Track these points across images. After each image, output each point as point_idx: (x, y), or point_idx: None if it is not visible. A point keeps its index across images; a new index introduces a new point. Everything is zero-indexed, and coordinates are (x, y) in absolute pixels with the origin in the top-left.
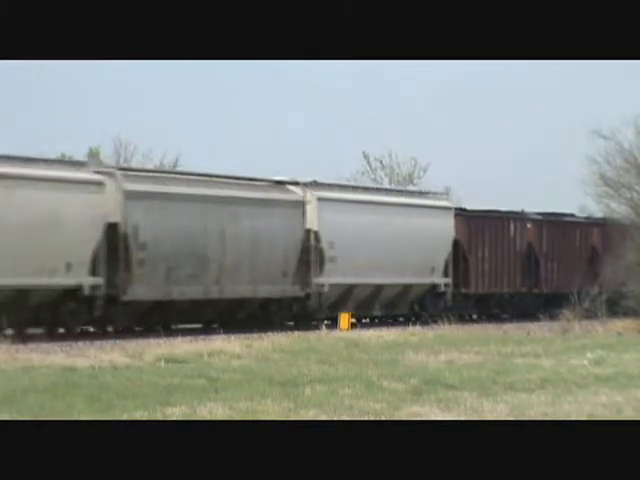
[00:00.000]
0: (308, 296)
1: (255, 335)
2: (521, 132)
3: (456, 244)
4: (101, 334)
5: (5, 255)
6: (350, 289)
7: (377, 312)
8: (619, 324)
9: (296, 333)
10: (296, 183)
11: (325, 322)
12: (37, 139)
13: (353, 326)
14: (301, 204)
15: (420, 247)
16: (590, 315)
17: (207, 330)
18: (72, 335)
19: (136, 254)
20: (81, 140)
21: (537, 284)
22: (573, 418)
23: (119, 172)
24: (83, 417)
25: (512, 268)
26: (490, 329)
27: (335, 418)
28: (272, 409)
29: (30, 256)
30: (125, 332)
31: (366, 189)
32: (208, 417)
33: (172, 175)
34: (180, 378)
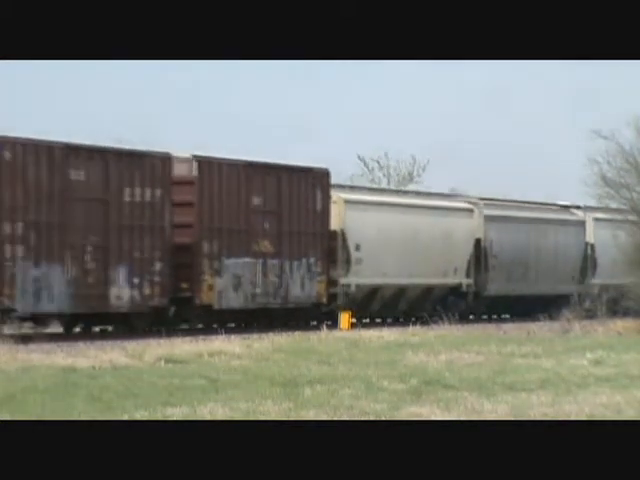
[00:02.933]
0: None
1: (255, 335)
2: (521, 132)
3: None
4: (101, 334)
5: (419, 262)
6: (375, 289)
7: (401, 313)
8: (619, 324)
9: (296, 333)
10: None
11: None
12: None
13: (353, 326)
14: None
15: (443, 248)
16: (590, 315)
17: (207, 330)
18: (71, 336)
19: (491, 262)
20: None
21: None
22: (573, 418)
23: (481, 201)
24: (83, 417)
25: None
26: (490, 329)
27: (335, 418)
28: (272, 409)
29: (434, 263)
30: (129, 332)
31: (391, 191)
32: (208, 417)
33: (508, 202)
34: (180, 378)
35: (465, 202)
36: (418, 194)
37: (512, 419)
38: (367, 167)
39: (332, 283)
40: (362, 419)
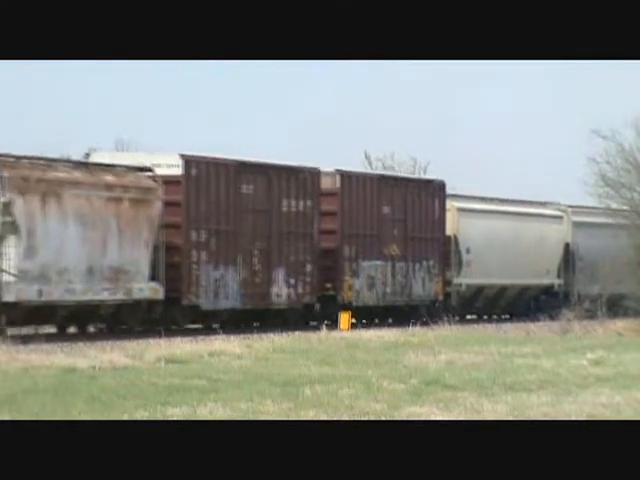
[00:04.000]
0: None
1: (255, 335)
2: (521, 132)
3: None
4: (106, 334)
5: (518, 264)
6: (481, 288)
7: (500, 310)
8: (619, 324)
9: (296, 333)
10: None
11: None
12: (37, 139)
13: (353, 326)
14: None
15: (538, 251)
16: (590, 315)
17: (207, 330)
18: (71, 336)
19: (577, 264)
20: (81, 140)
21: None
22: (573, 418)
23: (569, 209)
24: (83, 417)
25: None
26: (490, 329)
27: (335, 418)
28: (272, 409)
29: (530, 265)
30: (129, 332)
31: (495, 199)
32: (208, 417)
33: (591, 209)
34: (180, 378)
35: (556, 209)
36: (516, 202)
37: (512, 419)
38: (371, 166)
39: (447, 283)
40: (362, 419)
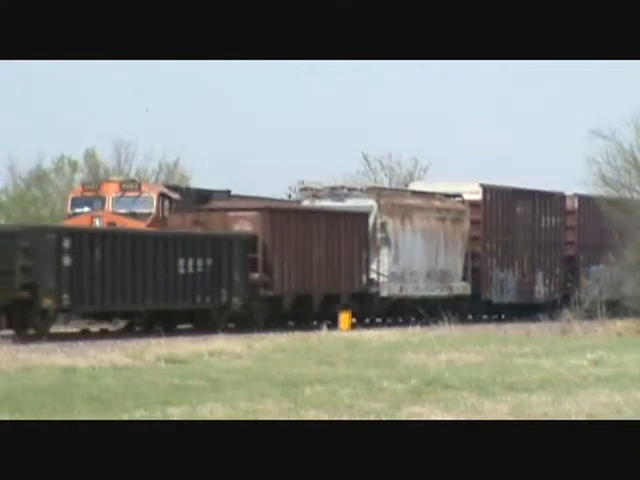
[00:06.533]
0: None
1: (255, 335)
2: (520, 132)
3: None
4: (101, 334)
5: None
6: None
7: None
8: (619, 324)
9: (296, 333)
10: None
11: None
12: (37, 139)
13: (353, 326)
14: None
15: None
16: (590, 315)
17: (207, 330)
18: (71, 336)
19: None
20: (81, 141)
21: None
22: (573, 418)
23: None
24: (83, 417)
25: None
26: (490, 329)
27: (335, 418)
28: (272, 409)
29: None
30: (126, 332)
31: None
32: (208, 417)
33: None
34: (180, 378)
35: None
36: None
37: (512, 419)
38: (369, 166)
39: None
40: (362, 419)
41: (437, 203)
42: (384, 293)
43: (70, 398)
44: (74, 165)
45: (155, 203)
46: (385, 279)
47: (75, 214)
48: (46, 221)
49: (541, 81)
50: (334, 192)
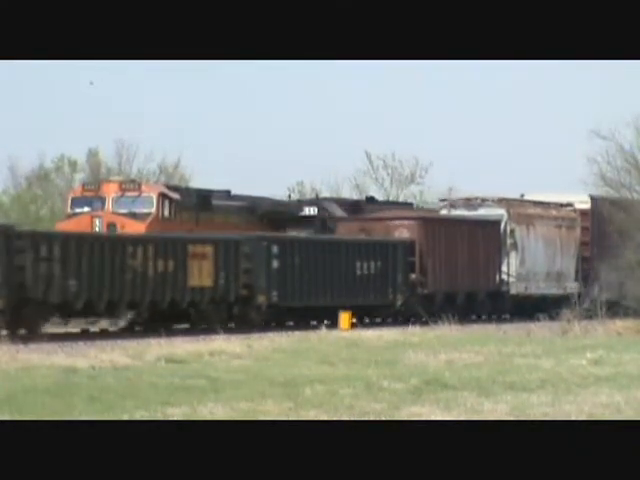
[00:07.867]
0: None
1: (255, 335)
2: (520, 132)
3: None
4: (101, 334)
5: None
6: None
7: None
8: (619, 324)
9: (296, 333)
10: None
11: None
12: (37, 139)
13: (353, 326)
14: None
15: None
16: (590, 315)
17: (207, 330)
18: (71, 336)
19: None
20: (81, 141)
21: None
22: (573, 418)
23: None
24: (83, 417)
25: None
26: (490, 329)
27: (335, 418)
28: (272, 409)
29: None
30: (127, 332)
31: None
32: (208, 417)
33: None
34: (180, 378)
35: None
36: None
37: (512, 419)
38: (372, 165)
39: None
40: (362, 419)
41: (554, 212)
42: (513, 291)
43: (70, 398)
44: (74, 165)
45: (155, 203)
46: (513, 279)
47: (75, 214)
48: (46, 221)
49: (541, 81)
50: (468, 202)
